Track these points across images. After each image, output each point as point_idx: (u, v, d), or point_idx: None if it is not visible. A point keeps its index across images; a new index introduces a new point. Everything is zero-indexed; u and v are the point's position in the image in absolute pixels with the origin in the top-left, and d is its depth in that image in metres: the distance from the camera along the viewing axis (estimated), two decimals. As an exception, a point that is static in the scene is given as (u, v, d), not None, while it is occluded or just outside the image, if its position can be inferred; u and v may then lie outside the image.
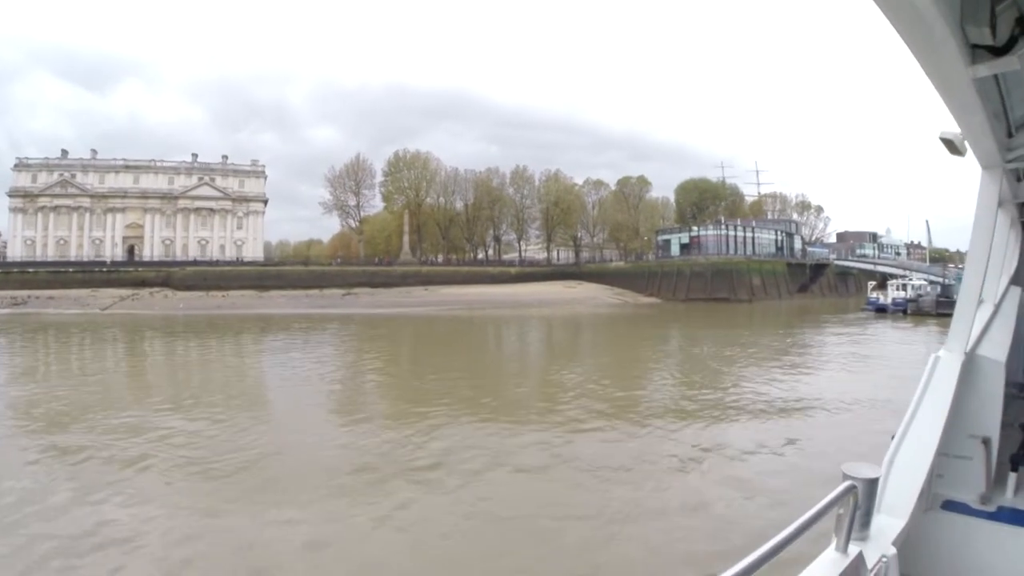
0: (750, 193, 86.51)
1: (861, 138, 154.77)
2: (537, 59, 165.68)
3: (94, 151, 73.20)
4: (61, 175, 71.00)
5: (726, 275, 59.64)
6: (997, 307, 3.19)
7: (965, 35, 1.54)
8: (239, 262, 66.90)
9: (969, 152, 2.59)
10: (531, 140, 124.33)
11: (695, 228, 66.81)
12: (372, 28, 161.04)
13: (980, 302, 2.96)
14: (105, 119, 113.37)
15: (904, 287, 46.64)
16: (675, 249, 66.33)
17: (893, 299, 44.12)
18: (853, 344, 23.63)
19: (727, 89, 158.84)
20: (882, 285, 51.69)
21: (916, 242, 75.33)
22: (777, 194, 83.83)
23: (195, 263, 65.88)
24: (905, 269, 61.12)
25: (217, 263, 66.35)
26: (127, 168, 71.81)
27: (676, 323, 36.79)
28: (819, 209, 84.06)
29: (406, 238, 68.70)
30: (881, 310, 43.22)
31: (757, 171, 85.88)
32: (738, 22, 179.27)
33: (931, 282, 49.06)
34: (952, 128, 2.41)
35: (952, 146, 2.58)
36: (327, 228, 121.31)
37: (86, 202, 71.05)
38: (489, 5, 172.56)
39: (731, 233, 65.58)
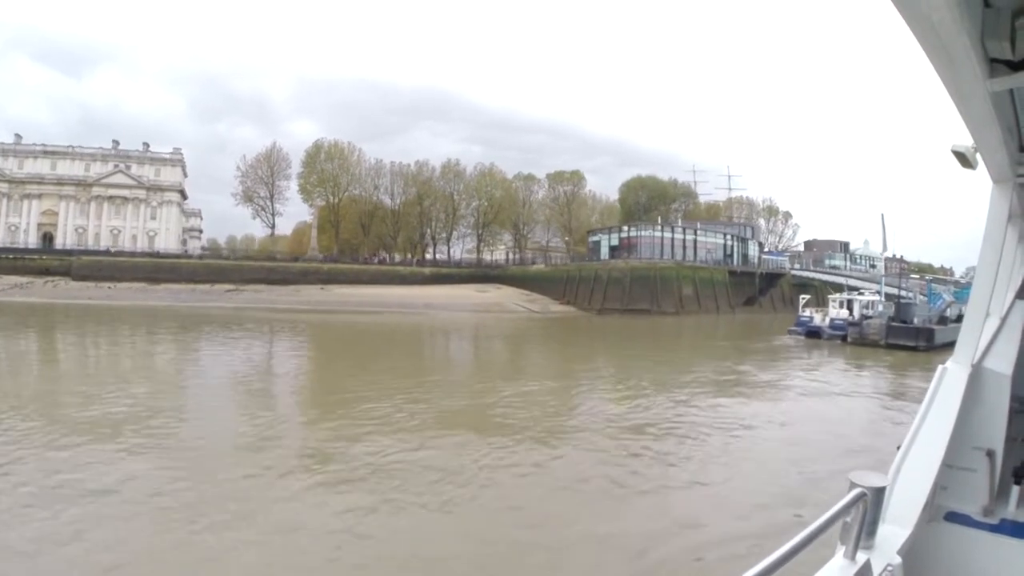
0: (720, 199, 78.25)
1: (846, 149, 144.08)
2: (523, 62, 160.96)
3: (18, 136, 71.45)
4: (-18, 160, 69.71)
5: (648, 283, 51.98)
6: (1003, 321, 3.14)
7: (985, 49, 1.59)
8: (135, 253, 63.97)
9: (980, 166, 2.58)
10: (517, 143, 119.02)
11: (626, 228, 59.29)
12: (354, 23, 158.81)
13: (987, 315, 2.94)
14: (81, 107, 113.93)
15: (848, 304, 34.83)
16: (604, 252, 59.00)
17: (831, 321, 32.43)
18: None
19: (715, 100, 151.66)
20: (825, 300, 41.89)
21: (899, 255, 65.38)
22: (744, 198, 74.97)
23: (94, 252, 63.18)
24: (867, 281, 52.18)
25: (115, 253, 63.77)
26: (45, 154, 69.78)
27: (532, 344, 29.07)
28: (787, 215, 74.73)
29: (314, 233, 63.89)
30: (814, 334, 31.88)
31: (729, 176, 77.36)
32: (728, 31, 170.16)
33: (888, 298, 38.86)
34: (960, 141, 2.43)
35: (964, 159, 2.54)
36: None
37: (4, 187, 69.46)
38: (471, 5, 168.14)
39: (667, 235, 57.82)
